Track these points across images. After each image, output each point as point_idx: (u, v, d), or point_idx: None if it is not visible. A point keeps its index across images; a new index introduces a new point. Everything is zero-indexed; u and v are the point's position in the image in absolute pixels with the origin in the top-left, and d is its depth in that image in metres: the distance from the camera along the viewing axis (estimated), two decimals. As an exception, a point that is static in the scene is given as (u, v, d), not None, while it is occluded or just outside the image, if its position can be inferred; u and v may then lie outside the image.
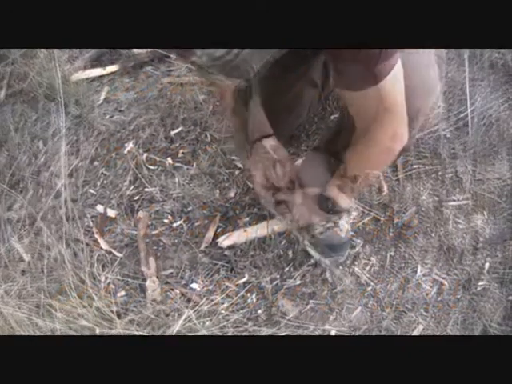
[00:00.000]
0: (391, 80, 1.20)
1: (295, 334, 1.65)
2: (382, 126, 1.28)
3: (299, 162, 1.59)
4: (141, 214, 1.90)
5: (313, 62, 1.32)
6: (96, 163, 2.09)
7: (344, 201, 1.54)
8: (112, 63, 2.37)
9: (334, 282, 1.74)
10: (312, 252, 1.76)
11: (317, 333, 1.67)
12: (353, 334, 1.66)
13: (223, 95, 1.76)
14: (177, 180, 2.01)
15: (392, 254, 1.80)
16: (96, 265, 1.80)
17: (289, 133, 1.56)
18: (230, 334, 1.64)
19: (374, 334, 1.66)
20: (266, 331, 1.64)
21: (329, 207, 1.53)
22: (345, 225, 1.77)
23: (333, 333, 1.67)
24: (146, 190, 2.00)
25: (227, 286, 1.77)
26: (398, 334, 1.65)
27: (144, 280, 1.78)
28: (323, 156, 1.55)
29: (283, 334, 1.65)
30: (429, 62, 1.32)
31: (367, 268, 1.78)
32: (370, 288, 1.75)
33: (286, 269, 1.79)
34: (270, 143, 1.61)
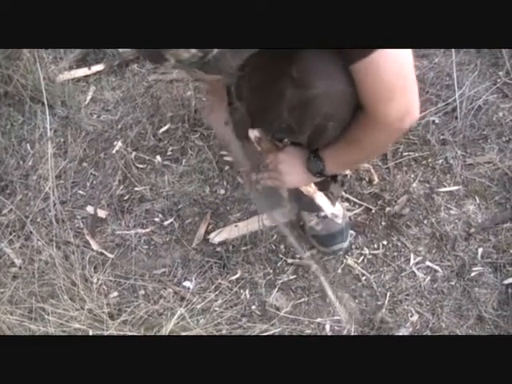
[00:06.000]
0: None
1: (289, 328, 1.65)
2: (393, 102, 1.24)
3: (280, 154, 1.57)
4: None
5: (295, 59, 1.29)
6: (85, 164, 2.08)
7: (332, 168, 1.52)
8: (97, 62, 2.36)
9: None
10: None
11: (312, 326, 1.67)
12: (347, 327, 1.66)
13: (213, 91, 1.74)
14: (166, 178, 2.00)
15: (385, 243, 1.79)
16: (88, 266, 1.80)
17: (271, 130, 1.54)
18: (224, 331, 1.63)
19: (368, 324, 1.66)
20: (260, 327, 1.64)
21: (319, 169, 1.49)
22: (340, 211, 1.77)
23: (327, 326, 1.66)
24: (136, 189, 1.99)
25: (220, 283, 1.76)
26: (393, 324, 1.64)
27: (136, 280, 1.78)
28: (303, 151, 1.53)
29: (278, 329, 1.64)
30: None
31: (360, 259, 1.77)
32: (364, 278, 1.74)
33: (279, 263, 1.78)
34: (255, 134, 1.60)
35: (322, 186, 1.65)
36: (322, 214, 1.76)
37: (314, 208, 1.75)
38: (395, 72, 1.21)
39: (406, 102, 1.26)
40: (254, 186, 1.71)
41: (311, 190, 1.62)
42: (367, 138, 1.35)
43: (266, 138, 1.58)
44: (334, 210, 1.69)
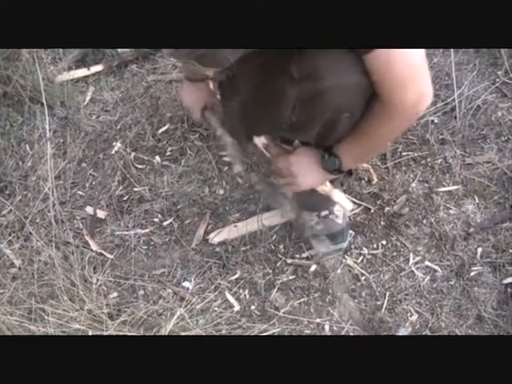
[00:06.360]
0: None
1: (288, 328, 1.65)
2: (407, 88, 1.26)
3: (291, 157, 1.56)
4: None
5: (295, 57, 1.29)
6: (84, 164, 2.08)
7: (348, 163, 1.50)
8: (96, 63, 2.35)
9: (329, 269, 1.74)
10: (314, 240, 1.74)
11: (311, 326, 1.67)
12: (346, 326, 1.66)
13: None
14: (165, 178, 2.00)
15: (384, 243, 1.79)
16: (87, 267, 1.80)
17: (273, 129, 1.54)
18: (223, 331, 1.63)
19: (368, 324, 1.66)
20: (259, 327, 1.64)
21: (336, 166, 1.48)
22: (341, 211, 1.77)
23: (326, 326, 1.66)
24: (135, 189, 1.99)
25: (219, 283, 1.76)
26: (393, 323, 1.64)
27: (135, 280, 1.78)
28: (315, 151, 1.52)
29: (277, 329, 1.65)
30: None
31: (359, 259, 1.77)
32: (363, 278, 1.74)
33: (278, 263, 1.78)
34: (261, 141, 1.59)
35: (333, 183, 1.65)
36: (323, 213, 1.76)
37: (315, 207, 1.76)
38: (407, 60, 1.22)
39: (420, 87, 1.27)
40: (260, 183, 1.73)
41: (327, 188, 1.62)
42: (383, 126, 1.35)
43: (273, 143, 1.58)
44: (351, 205, 1.70)
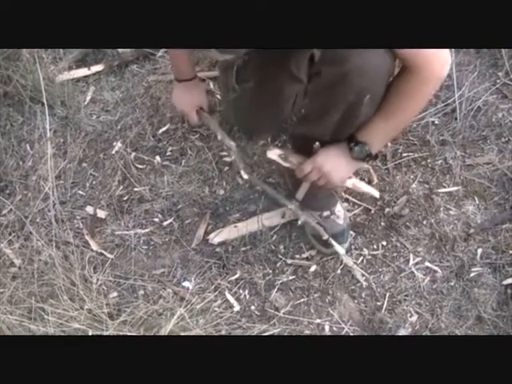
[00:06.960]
0: None
1: (288, 328, 1.65)
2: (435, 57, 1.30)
3: (317, 159, 1.55)
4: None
5: (295, 54, 1.30)
6: (84, 164, 2.07)
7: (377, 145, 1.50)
8: (97, 63, 2.34)
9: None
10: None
11: (311, 327, 1.67)
12: (346, 327, 1.66)
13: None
14: (166, 178, 2.00)
15: (384, 244, 1.79)
16: (87, 266, 1.80)
17: (274, 128, 1.53)
18: (223, 331, 1.63)
19: (368, 325, 1.66)
20: (259, 327, 1.64)
21: (367, 152, 1.47)
22: (341, 211, 1.77)
23: (326, 327, 1.66)
24: (136, 189, 1.99)
25: (219, 284, 1.76)
26: (393, 324, 1.65)
27: (135, 280, 1.78)
28: (337, 145, 1.51)
29: (277, 329, 1.65)
30: None
31: (360, 259, 1.77)
32: (363, 279, 1.74)
33: (279, 264, 1.78)
34: (276, 153, 1.58)
35: None
36: (325, 214, 1.76)
37: (318, 208, 1.75)
38: None
39: (444, 56, 1.32)
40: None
41: (355, 180, 1.62)
42: (415, 96, 1.38)
43: (290, 152, 1.57)
44: (378, 194, 1.71)
